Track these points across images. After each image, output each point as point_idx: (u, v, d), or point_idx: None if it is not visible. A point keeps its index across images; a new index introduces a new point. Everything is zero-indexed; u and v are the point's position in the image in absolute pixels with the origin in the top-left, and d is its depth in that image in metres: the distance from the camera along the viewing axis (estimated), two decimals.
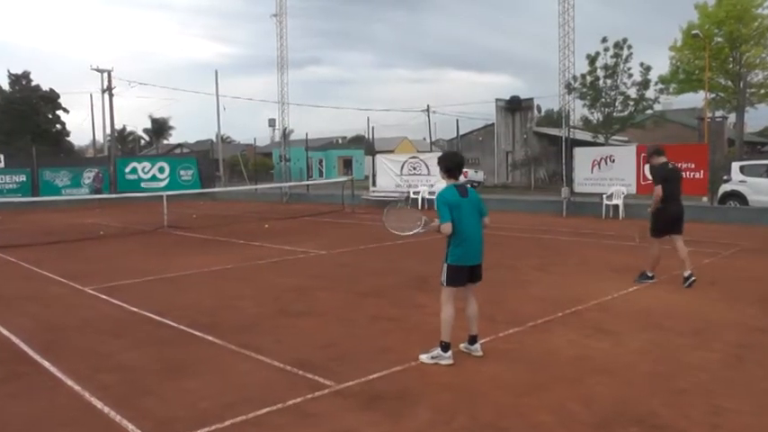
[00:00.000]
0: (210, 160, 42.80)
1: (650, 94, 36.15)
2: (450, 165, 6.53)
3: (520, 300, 9.28)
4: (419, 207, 26.27)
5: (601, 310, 8.61)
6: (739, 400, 5.42)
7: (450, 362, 6.28)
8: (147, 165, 38.00)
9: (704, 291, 9.72)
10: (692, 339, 7.22)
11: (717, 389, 5.67)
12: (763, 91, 43.73)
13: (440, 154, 7.17)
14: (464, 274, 6.42)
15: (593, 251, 14.25)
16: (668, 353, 6.72)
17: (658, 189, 10.16)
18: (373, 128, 33.85)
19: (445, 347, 6.33)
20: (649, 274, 10.23)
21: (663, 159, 10.25)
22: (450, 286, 6.41)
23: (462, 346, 6.66)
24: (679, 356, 6.60)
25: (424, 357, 6.41)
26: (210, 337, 7.41)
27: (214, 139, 54.72)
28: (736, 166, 22.67)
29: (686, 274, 10.00)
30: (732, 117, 45.72)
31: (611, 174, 23.22)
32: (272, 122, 71.35)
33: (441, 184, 6.58)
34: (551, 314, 8.32)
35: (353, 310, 8.74)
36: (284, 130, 36.36)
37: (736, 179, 22.03)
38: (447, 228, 6.27)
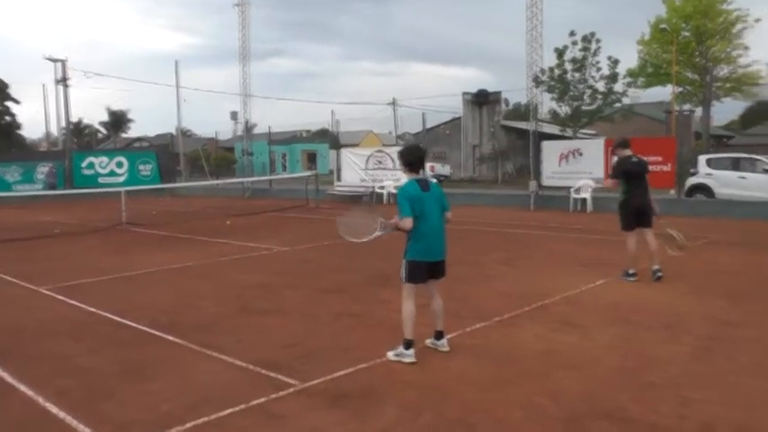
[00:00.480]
0: (171, 154, 42.31)
1: (618, 87, 36.71)
2: (412, 158, 6.50)
3: (486, 295, 9.34)
4: (384, 202, 26.32)
5: (568, 304, 8.72)
6: (708, 391, 5.52)
7: (413, 360, 6.27)
8: (104, 159, 37.42)
9: (672, 284, 9.88)
10: (660, 333, 7.33)
11: (685, 382, 5.77)
12: (728, 85, 44.57)
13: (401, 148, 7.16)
14: (424, 270, 6.40)
15: (560, 245, 14.40)
16: (636, 347, 6.83)
17: (610, 182, 10.55)
18: (338, 121, 34.03)
19: (407, 345, 6.33)
20: (630, 272, 10.36)
21: (627, 152, 10.38)
22: (410, 282, 6.40)
23: (428, 341, 6.69)
24: (647, 350, 6.70)
25: (390, 354, 6.42)
26: (171, 337, 7.35)
27: (174, 133, 54.14)
28: (702, 159, 23.12)
29: (654, 267, 10.16)
30: (699, 111, 46.49)
31: (578, 167, 23.51)
32: (234, 116, 70.84)
33: (406, 178, 6.57)
34: (518, 309, 8.39)
35: (317, 306, 8.74)
36: (247, 123, 36.15)
37: (703, 172, 22.46)
38: (407, 223, 6.25)
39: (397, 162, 6.88)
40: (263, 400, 5.43)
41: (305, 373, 6.02)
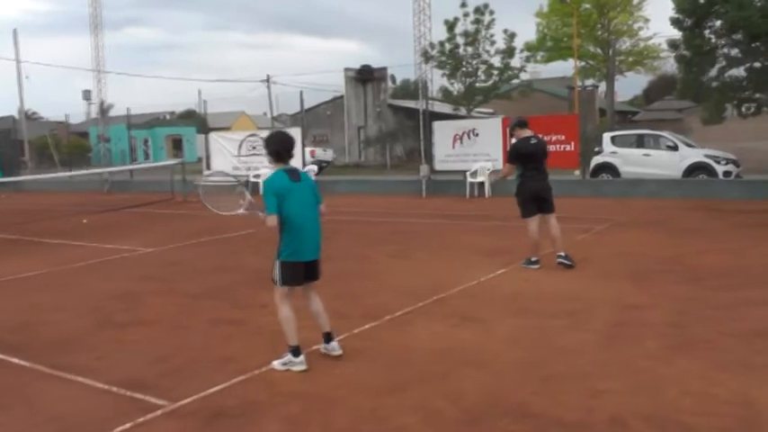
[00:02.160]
0: (12, 142, 40.44)
1: (516, 62, 37.55)
2: (278, 147, 6.44)
3: (375, 291, 9.42)
4: (261, 192, 26.08)
5: (466, 298, 8.91)
6: (615, 380, 5.77)
7: (304, 367, 6.27)
8: None
9: (577, 269, 10.28)
10: (564, 321, 7.61)
11: (592, 371, 6.00)
12: (631, 59, 46.56)
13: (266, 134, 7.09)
14: (300, 272, 6.36)
15: (456, 234, 14.68)
16: (540, 337, 7.05)
17: (509, 166, 10.69)
18: (206, 101, 33.39)
19: (295, 352, 6.31)
20: (533, 259, 10.64)
21: (527, 132, 10.64)
22: (286, 285, 6.37)
23: (321, 347, 6.68)
24: (551, 340, 6.94)
25: (276, 364, 6.37)
26: (17, 360, 7.03)
27: (17, 116, 51.87)
28: (607, 136, 24.09)
29: (560, 254, 10.50)
30: (602, 86, 48.30)
31: (474, 149, 23.97)
32: (87, 95, 68.47)
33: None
34: (411, 305, 8.50)
35: (188, 315, 8.59)
36: (102, 104, 35.13)
37: (608, 150, 23.40)
38: (271, 221, 6.20)
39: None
40: (128, 425, 5.28)
41: (175, 391, 5.90)
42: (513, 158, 10.62)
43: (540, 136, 10.97)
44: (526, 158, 10.46)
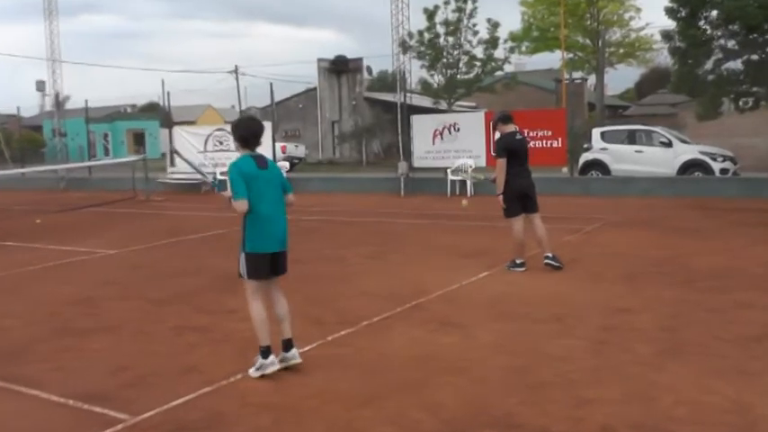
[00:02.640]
0: None
1: (500, 53, 37.51)
2: (246, 133, 6.46)
3: (351, 295, 9.44)
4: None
5: (447, 302, 8.94)
6: (605, 388, 5.81)
7: (277, 367, 6.29)
8: None
9: (565, 271, 10.35)
10: (551, 326, 7.66)
11: (580, 379, 6.05)
12: (622, 50, 46.82)
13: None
14: (266, 263, 6.40)
15: (437, 235, 14.72)
16: (525, 344, 7.09)
17: (501, 162, 10.56)
18: (169, 93, 32.89)
19: (265, 353, 6.32)
20: (518, 261, 10.69)
21: (511, 128, 10.69)
22: (253, 279, 6.39)
23: (278, 356, 6.59)
24: (538, 347, 6.97)
25: (251, 372, 6.36)
26: None
27: None
28: (596, 132, 24.22)
29: (547, 254, 10.55)
30: (592, 79, 48.47)
31: (456, 145, 24.02)
32: (40, 86, 67.81)
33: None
34: (389, 310, 8.51)
35: (152, 321, 8.55)
36: (57, 96, 34.76)
37: (598, 147, 23.53)
38: (241, 206, 6.22)
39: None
40: None
41: (137, 404, 5.87)
42: (504, 152, 10.60)
43: (520, 130, 11.00)
44: (511, 155, 10.50)
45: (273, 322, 6.58)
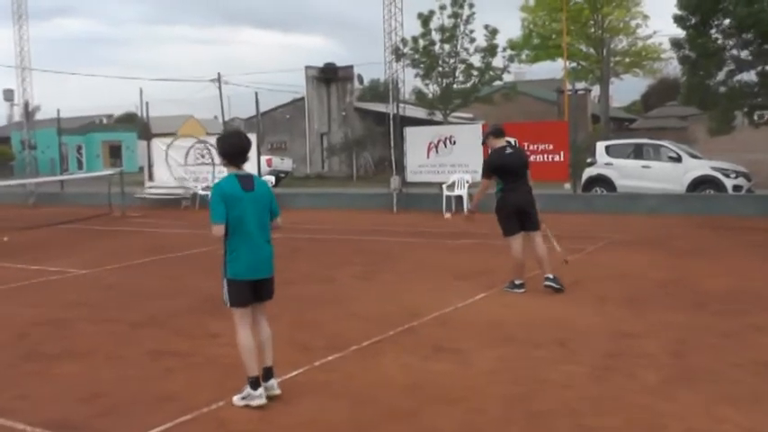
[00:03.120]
0: None
1: (498, 62, 37.59)
2: (232, 149, 6.43)
3: (340, 319, 9.43)
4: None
5: (442, 325, 8.95)
6: (609, 417, 5.82)
7: (263, 401, 6.25)
8: None
9: (567, 294, 10.36)
10: (553, 352, 7.67)
11: (583, 407, 6.05)
12: (628, 60, 46.91)
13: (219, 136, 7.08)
14: (248, 290, 6.37)
15: (431, 254, 14.75)
16: (525, 370, 7.09)
17: (484, 182, 10.85)
18: (148, 103, 32.92)
19: (254, 384, 6.28)
20: (517, 282, 10.70)
21: (501, 142, 10.73)
22: (238, 307, 6.37)
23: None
24: (538, 373, 6.97)
25: (235, 399, 6.34)
26: None
27: None
28: (601, 146, 24.23)
29: (548, 276, 10.56)
30: (596, 90, 48.58)
31: (451, 158, 24.03)
32: (8, 95, 67.78)
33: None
34: (380, 334, 8.51)
35: (126, 346, 8.52)
36: (27, 105, 34.73)
37: (602, 161, 23.55)
38: (217, 230, 6.21)
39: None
40: None
41: None
42: (489, 172, 10.74)
43: (515, 142, 11.09)
44: (503, 171, 10.56)
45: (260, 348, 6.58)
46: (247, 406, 6.24)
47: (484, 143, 11.32)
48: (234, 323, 6.41)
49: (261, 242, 6.40)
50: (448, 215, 17.07)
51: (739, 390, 6.35)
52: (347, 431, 5.77)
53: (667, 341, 7.93)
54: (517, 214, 10.57)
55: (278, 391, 6.50)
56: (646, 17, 45.80)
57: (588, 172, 23.79)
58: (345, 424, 5.91)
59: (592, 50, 46.03)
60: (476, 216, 11.37)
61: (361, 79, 55.06)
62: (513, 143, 11.04)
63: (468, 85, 37.49)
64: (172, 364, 7.71)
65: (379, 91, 57.02)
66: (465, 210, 22.19)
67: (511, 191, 10.53)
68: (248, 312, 6.43)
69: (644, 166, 22.84)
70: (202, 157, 28.00)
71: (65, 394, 6.88)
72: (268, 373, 6.51)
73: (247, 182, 6.36)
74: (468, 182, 23.08)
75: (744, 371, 6.86)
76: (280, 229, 6.66)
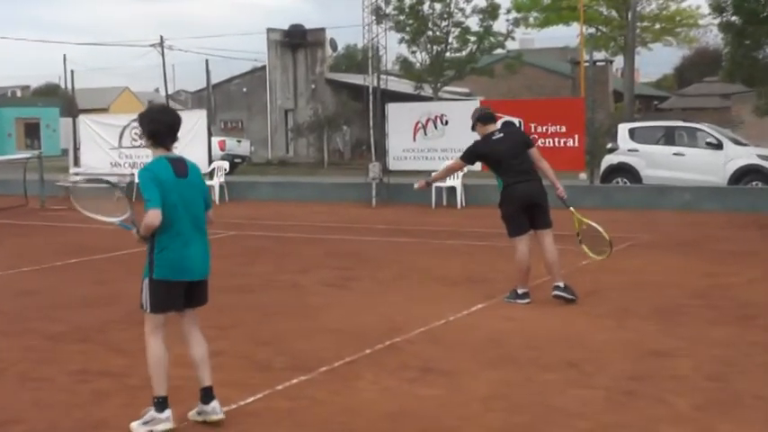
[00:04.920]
0: None
1: (500, 26, 37.67)
2: (158, 126, 6.39)
3: (308, 334, 9.43)
4: None
5: (430, 342, 8.97)
6: None
7: (169, 426, 6.23)
8: None
9: (580, 305, 10.41)
10: (563, 374, 7.71)
11: None
12: (658, 26, 46.87)
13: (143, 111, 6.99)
14: (178, 294, 6.33)
15: (418, 257, 14.76)
16: (530, 396, 7.12)
17: (458, 161, 11.34)
18: (73, 72, 32.72)
19: (159, 405, 6.25)
20: (520, 291, 10.72)
21: (491, 128, 10.77)
22: (156, 313, 6.32)
23: (191, 413, 6.57)
24: (545, 399, 7.01)
25: (134, 426, 6.30)
26: None
27: None
28: (624, 129, 24.26)
29: (557, 284, 10.57)
30: (619, 61, 48.56)
31: (443, 142, 23.97)
32: None
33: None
34: (356, 352, 8.53)
35: (47, 363, 8.51)
36: None
37: (625, 148, 23.57)
38: (153, 217, 6.07)
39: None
40: None
41: None
42: (468, 158, 11.00)
43: (520, 123, 11.12)
44: (492, 161, 10.69)
45: (190, 367, 6.60)
46: None
47: (473, 128, 11.30)
48: (145, 331, 6.38)
49: (196, 237, 6.39)
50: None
51: None
52: None
53: (705, 361, 7.97)
54: (526, 209, 10.57)
55: (220, 416, 6.47)
56: None
57: (608, 160, 23.83)
58: None
59: (614, 14, 45.98)
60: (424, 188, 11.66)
61: (334, 45, 54.95)
62: (517, 124, 11.05)
63: (464, 53, 37.59)
64: (103, 386, 7.69)
65: (356, 59, 57.14)
66: (459, 204, 22.29)
67: (514, 181, 10.54)
68: (165, 323, 6.40)
69: (676, 154, 22.92)
70: (140, 137, 27.95)
71: None
72: (208, 394, 6.49)
73: (180, 166, 6.34)
74: (462, 170, 23.09)
75: None
76: (211, 224, 6.62)
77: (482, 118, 10.87)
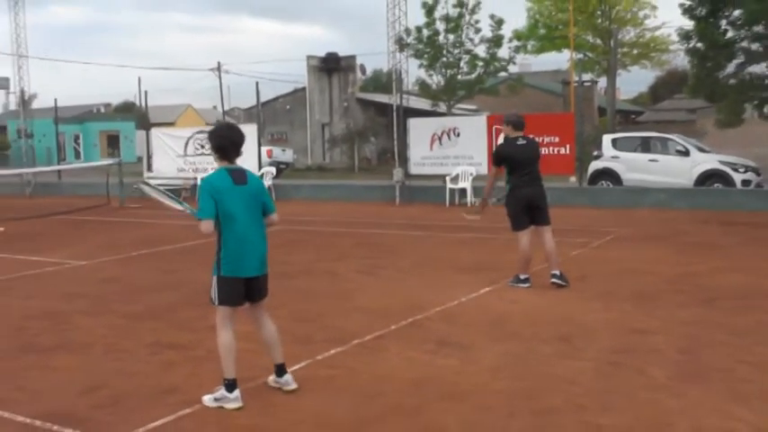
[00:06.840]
0: None
1: (504, 52, 37.58)
2: (224, 142, 6.32)
3: (342, 313, 9.44)
4: None
5: (446, 320, 8.95)
6: (616, 414, 5.84)
7: (238, 404, 6.18)
8: None
9: (573, 289, 10.36)
10: (559, 348, 7.68)
11: (590, 403, 6.07)
12: (635, 51, 46.78)
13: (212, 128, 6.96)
14: (240, 289, 6.28)
15: (435, 247, 14.76)
16: (530, 366, 7.11)
17: (493, 169, 11.01)
18: (146, 92, 32.92)
19: (230, 386, 6.21)
20: (522, 277, 10.68)
21: (518, 133, 10.67)
22: (225, 305, 6.29)
23: (271, 379, 6.62)
24: (544, 369, 7.00)
25: (206, 399, 6.28)
26: None
27: None
28: (607, 139, 24.24)
29: (554, 272, 10.56)
30: (602, 81, 48.46)
31: (455, 150, 24.00)
32: (4, 83, 68.01)
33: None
34: (383, 328, 8.52)
35: (126, 338, 8.52)
36: (23, 93, 34.68)
37: (608, 155, 23.54)
38: (206, 226, 6.10)
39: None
40: None
41: (111, 425, 5.87)
42: (498, 161, 10.73)
43: (531, 136, 11.05)
44: (513, 162, 10.52)
45: (263, 348, 6.61)
46: (221, 408, 6.17)
47: (498, 130, 11.34)
48: (216, 322, 6.37)
49: (254, 238, 6.31)
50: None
51: (751, 387, 6.35)
52: (352, 427, 5.77)
53: (676, 337, 7.93)
54: (528, 208, 10.53)
55: (294, 386, 6.51)
56: (654, 8, 45.58)
57: (594, 165, 23.77)
58: (350, 419, 5.91)
59: (599, 41, 45.81)
60: (485, 207, 11.32)
61: (363, 69, 55.10)
62: (530, 138, 10.98)
63: (473, 76, 37.50)
64: (172, 357, 7.73)
65: (381, 81, 56.95)
66: (468, 203, 22.24)
67: (522, 184, 10.49)
68: (234, 313, 6.37)
69: (651, 160, 22.82)
70: (202, 147, 27.97)
71: (64, 387, 6.89)
72: (281, 370, 6.53)
73: (239, 176, 6.27)
74: (472, 174, 23.07)
75: (755, 368, 6.86)
76: (273, 225, 6.56)
77: (515, 123, 10.73)
